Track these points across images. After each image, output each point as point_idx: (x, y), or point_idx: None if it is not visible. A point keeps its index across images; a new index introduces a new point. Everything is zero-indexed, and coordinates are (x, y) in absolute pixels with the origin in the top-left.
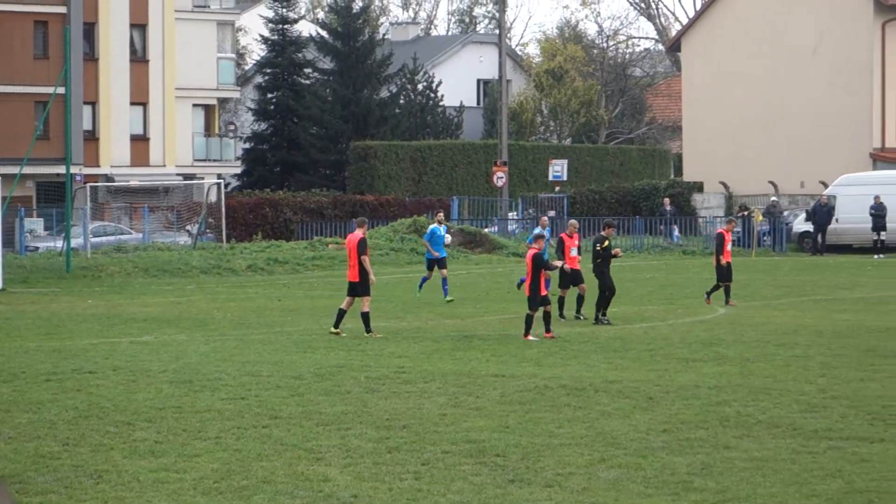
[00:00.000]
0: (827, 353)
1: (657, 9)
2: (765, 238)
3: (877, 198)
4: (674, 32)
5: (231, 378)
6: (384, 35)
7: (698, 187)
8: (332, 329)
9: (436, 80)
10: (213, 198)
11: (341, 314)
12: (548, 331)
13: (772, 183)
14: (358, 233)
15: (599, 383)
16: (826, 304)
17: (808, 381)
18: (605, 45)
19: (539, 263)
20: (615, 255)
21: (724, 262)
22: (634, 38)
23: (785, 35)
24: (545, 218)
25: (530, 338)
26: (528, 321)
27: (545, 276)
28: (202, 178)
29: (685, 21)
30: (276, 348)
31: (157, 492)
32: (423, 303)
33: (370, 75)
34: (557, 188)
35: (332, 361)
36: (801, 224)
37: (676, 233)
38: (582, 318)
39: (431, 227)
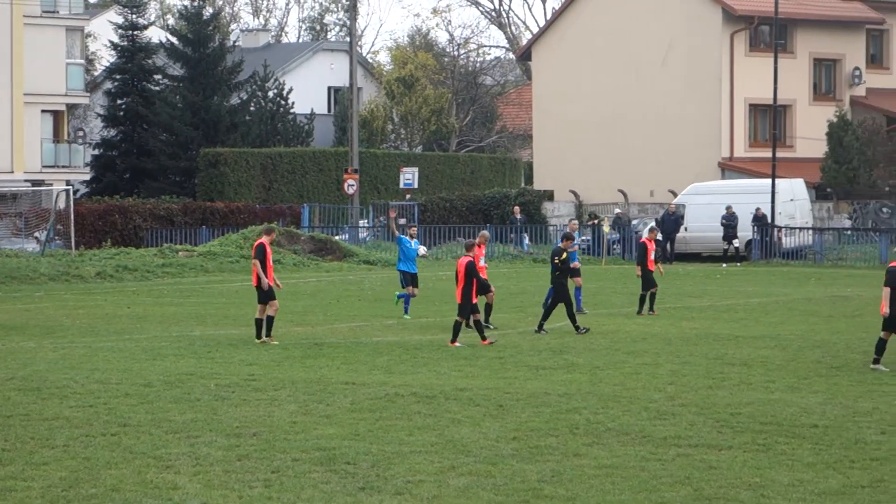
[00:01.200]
0: (676, 360)
1: (508, 18)
2: (615, 246)
3: (728, 208)
4: (524, 41)
5: (80, 386)
6: (234, 42)
7: (548, 196)
8: (262, 339)
9: (286, 88)
10: (61, 204)
11: (258, 323)
12: (483, 338)
13: (621, 192)
14: (261, 239)
15: (450, 391)
16: (675, 312)
17: (657, 389)
18: (455, 53)
19: (471, 272)
20: (574, 268)
21: (639, 271)
22: (485, 46)
23: (634, 45)
24: (574, 222)
25: (456, 344)
26: (456, 328)
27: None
28: (51, 185)
29: (536, 30)
30: (125, 356)
31: (4, 500)
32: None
33: (220, 82)
34: (408, 196)
35: (181, 369)
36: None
37: (527, 241)
38: (491, 326)
39: (401, 236)
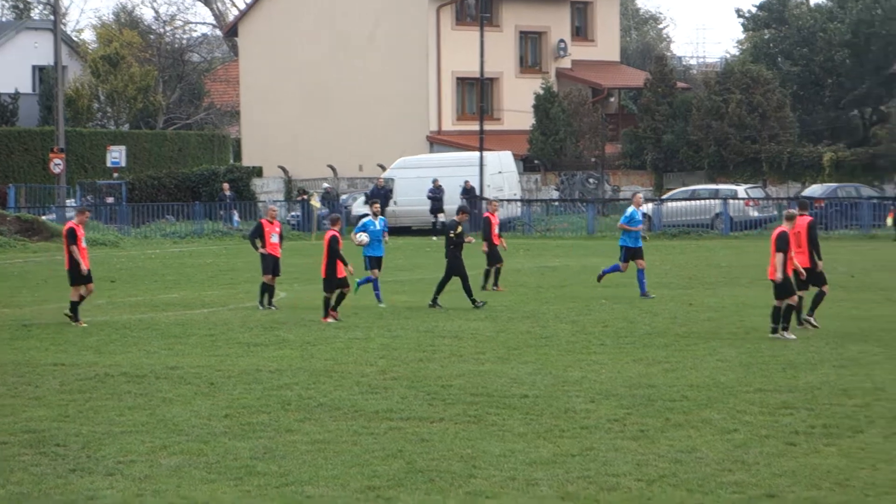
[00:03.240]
0: (387, 334)
1: None
2: (325, 222)
3: (435, 181)
4: (231, 17)
5: None
6: None
7: (257, 172)
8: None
9: None
10: None
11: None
12: (333, 310)
13: (331, 167)
14: (71, 223)
15: (160, 370)
16: (385, 286)
17: (369, 363)
18: (162, 30)
19: (334, 246)
20: (467, 242)
21: (485, 247)
22: (191, 23)
23: (342, 20)
24: (640, 196)
25: (329, 320)
26: (326, 303)
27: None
28: None
29: (242, 7)
30: None
31: None
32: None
33: None
34: (116, 174)
35: None
36: (360, 207)
37: (236, 217)
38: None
39: (365, 220)
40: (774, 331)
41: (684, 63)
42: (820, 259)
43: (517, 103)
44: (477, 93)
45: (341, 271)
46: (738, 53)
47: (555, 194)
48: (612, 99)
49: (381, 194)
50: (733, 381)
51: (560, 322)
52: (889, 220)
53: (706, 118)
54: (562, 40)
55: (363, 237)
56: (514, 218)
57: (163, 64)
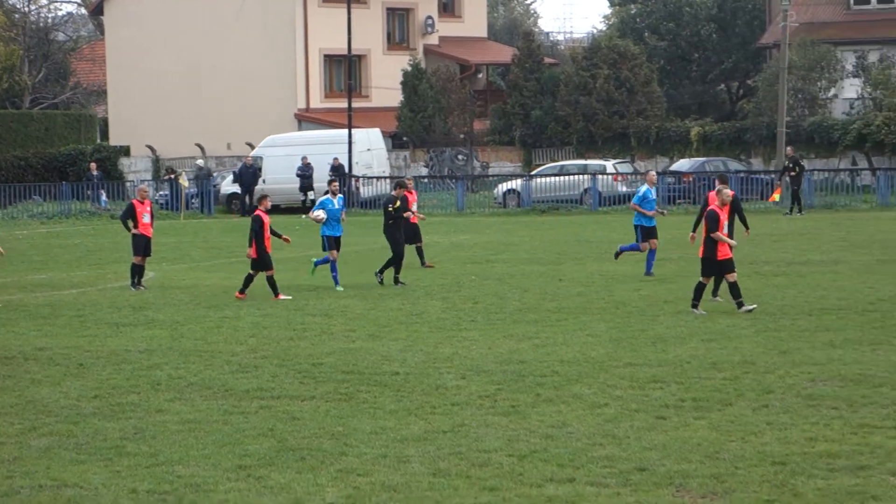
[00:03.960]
0: (257, 313)
1: None
2: (193, 201)
3: (304, 158)
4: None
5: None
6: None
7: (125, 151)
8: None
9: None
10: None
11: None
12: (276, 293)
13: (199, 145)
14: None
15: (29, 351)
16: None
17: (239, 342)
18: (26, 9)
19: (253, 227)
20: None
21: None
22: (57, 1)
23: None
24: (652, 173)
25: (242, 296)
26: (246, 280)
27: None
28: None
29: None
30: None
31: None
32: None
33: None
34: None
35: None
36: (228, 186)
37: (104, 198)
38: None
39: (323, 198)
40: (695, 307)
41: (552, 39)
42: (748, 228)
43: (385, 80)
44: (345, 70)
45: (269, 249)
46: (605, 28)
47: (424, 171)
48: (480, 75)
49: (249, 173)
50: (603, 355)
51: (431, 299)
52: (776, 196)
53: (574, 94)
54: (429, 17)
55: (320, 213)
56: (383, 195)
57: (28, 43)
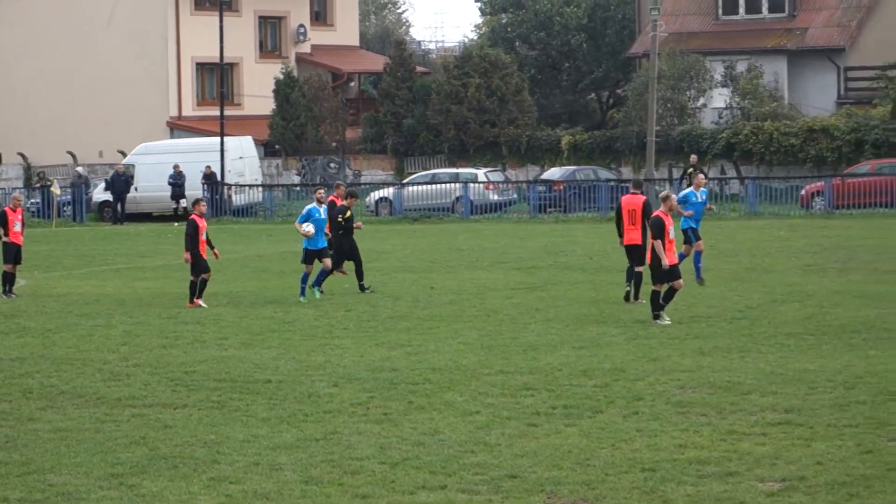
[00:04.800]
0: (129, 321)
1: None
2: (65, 208)
3: (176, 166)
4: None
5: None
6: None
7: None
8: None
9: None
10: None
11: None
12: (195, 299)
13: (70, 153)
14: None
15: None
16: (127, 273)
17: (111, 350)
18: None
19: (188, 231)
20: (357, 227)
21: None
22: None
23: (80, 4)
24: (701, 176)
25: (197, 304)
26: (192, 287)
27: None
28: None
29: None
30: None
31: None
32: None
33: None
34: None
35: None
36: (100, 193)
37: None
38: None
39: (308, 207)
40: (657, 317)
41: (423, 48)
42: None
43: (257, 88)
44: (217, 78)
45: (205, 254)
46: (476, 38)
47: (296, 179)
48: (352, 84)
49: (121, 181)
50: (475, 363)
51: (303, 307)
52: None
53: (446, 102)
54: (301, 25)
55: (309, 228)
56: (255, 203)
57: None
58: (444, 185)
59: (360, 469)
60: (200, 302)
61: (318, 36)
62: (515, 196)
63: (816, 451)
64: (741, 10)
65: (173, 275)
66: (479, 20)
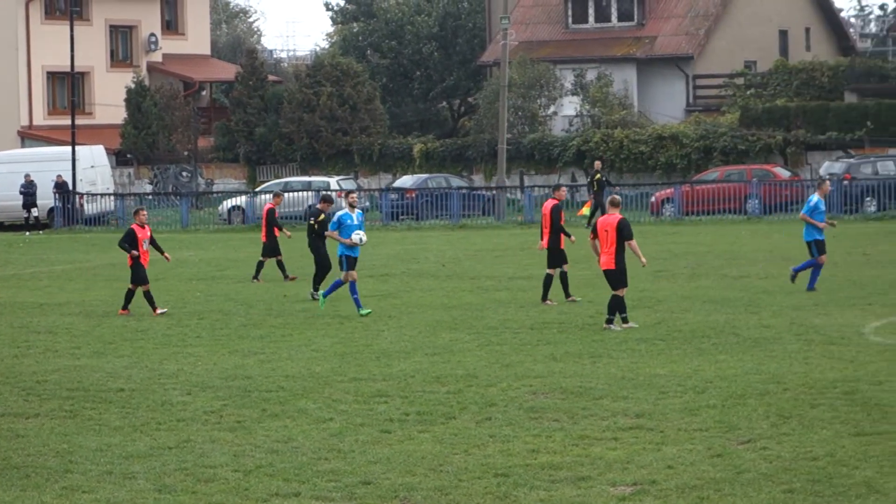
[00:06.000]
0: None
1: None
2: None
3: (27, 176)
4: None
5: None
6: None
7: None
8: None
9: None
10: None
11: None
12: (124, 308)
13: None
14: None
15: None
16: None
17: None
18: None
19: (129, 240)
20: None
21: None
22: None
23: None
24: (828, 183)
25: (159, 311)
26: (129, 296)
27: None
28: None
29: None
30: None
31: None
32: None
33: None
34: None
35: None
36: None
37: None
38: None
39: (340, 213)
40: (625, 320)
41: (275, 56)
42: (570, 236)
43: (109, 97)
44: (68, 87)
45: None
46: (328, 46)
47: (148, 188)
48: (203, 92)
49: None
50: (328, 370)
51: (152, 316)
52: (585, 210)
53: (298, 111)
54: (153, 34)
55: (362, 236)
56: (107, 212)
57: None
58: (296, 194)
59: (214, 477)
60: (160, 310)
61: (169, 45)
62: (367, 204)
63: (667, 454)
64: (591, 18)
65: (25, 284)
66: (331, 29)
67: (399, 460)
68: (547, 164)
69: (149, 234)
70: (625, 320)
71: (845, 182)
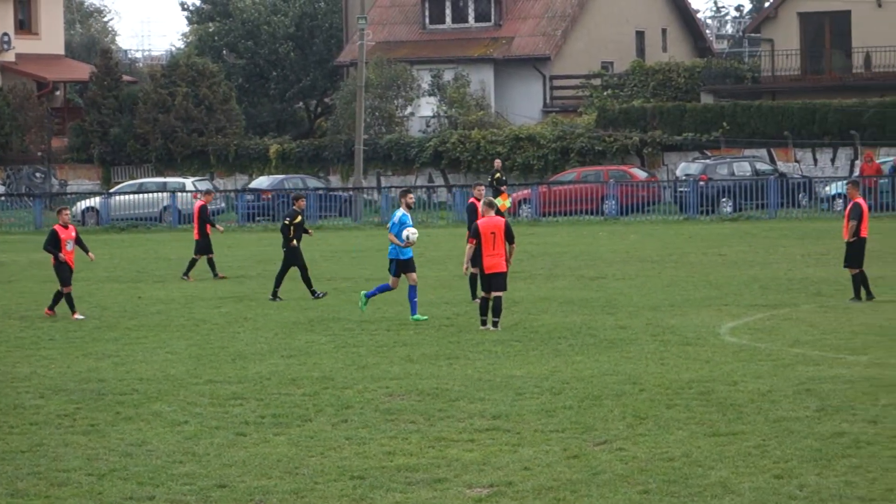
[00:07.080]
0: None
1: None
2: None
3: None
4: None
5: None
6: None
7: None
8: None
9: None
10: None
11: None
12: (50, 309)
13: None
14: None
15: None
16: None
17: None
18: None
19: (52, 241)
20: (307, 232)
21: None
22: None
23: None
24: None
25: (77, 316)
26: (56, 298)
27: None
28: None
29: None
30: None
31: None
32: None
33: None
34: None
35: None
36: None
37: None
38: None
39: (399, 213)
40: (495, 324)
41: (130, 56)
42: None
43: None
44: None
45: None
46: (183, 46)
47: (1, 189)
48: (57, 92)
49: None
50: (183, 373)
51: (8, 318)
52: (507, 203)
53: (153, 111)
54: (5, 34)
55: (414, 233)
56: None
57: None
58: (151, 195)
59: (67, 481)
60: (78, 315)
61: (22, 45)
62: (223, 205)
63: (524, 456)
64: (448, 19)
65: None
66: (187, 29)
67: (254, 463)
68: (404, 164)
69: (73, 234)
70: (495, 324)
71: (701, 183)
